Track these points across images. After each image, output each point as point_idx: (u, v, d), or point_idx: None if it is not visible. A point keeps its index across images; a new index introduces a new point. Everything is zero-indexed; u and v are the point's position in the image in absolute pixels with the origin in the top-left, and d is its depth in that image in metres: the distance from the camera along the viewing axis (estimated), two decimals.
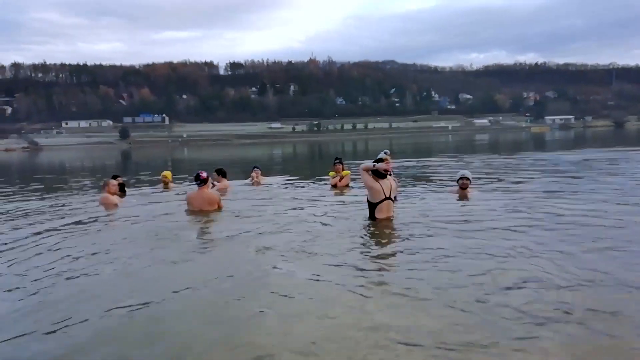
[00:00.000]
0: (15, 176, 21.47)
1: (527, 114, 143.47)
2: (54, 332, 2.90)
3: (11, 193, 11.57)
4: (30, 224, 6.64)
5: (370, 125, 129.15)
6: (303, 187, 10.37)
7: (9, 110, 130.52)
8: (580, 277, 3.48)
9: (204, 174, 7.06)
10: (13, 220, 7.12)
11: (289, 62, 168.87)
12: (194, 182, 7.16)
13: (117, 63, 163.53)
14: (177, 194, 9.38)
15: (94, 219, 6.81)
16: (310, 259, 4.23)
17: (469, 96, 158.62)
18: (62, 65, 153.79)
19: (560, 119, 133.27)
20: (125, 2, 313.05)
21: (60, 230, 6.09)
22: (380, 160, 5.77)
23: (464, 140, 53.21)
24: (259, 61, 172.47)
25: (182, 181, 12.02)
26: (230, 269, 4.00)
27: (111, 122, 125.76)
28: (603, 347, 2.50)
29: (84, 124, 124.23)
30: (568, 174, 10.91)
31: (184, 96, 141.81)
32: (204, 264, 4.34)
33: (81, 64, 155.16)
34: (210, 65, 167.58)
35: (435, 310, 2.99)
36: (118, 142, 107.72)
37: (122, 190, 9.40)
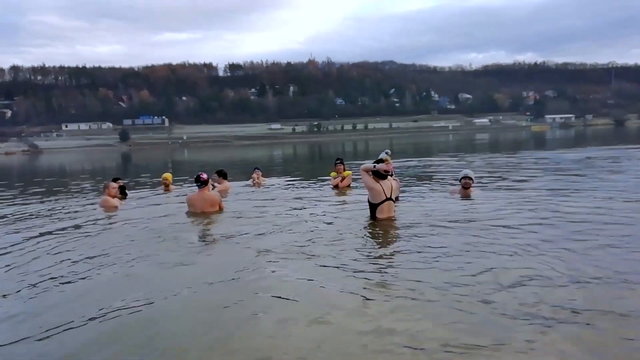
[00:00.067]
0: (15, 179, 21.43)
1: (527, 113, 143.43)
2: (48, 337, 2.87)
3: (11, 196, 11.55)
4: (29, 227, 6.62)
5: (370, 126, 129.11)
6: (304, 188, 10.33)
7: (8, 113, 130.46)
8: (588, 275, 3.45)
9: (205, 176, 7.05)
10: (12, 223, 7.10)
11: (288, 63, 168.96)
12: (195, 184, 7.13)
13: (117, 65, 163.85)
14: (178, 196, 9.37)
15: (93, 222, 6.78)
16: (311, 261, 4.19)
17: (468, 96, 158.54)
18: (61, 68, 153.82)
19: (561, 118, 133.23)
20: (125, 4, 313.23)
21: (59, 233, 6.06)
22: (381, 160, 5.74)
23: (465, 139, 53.16)
24: (258, 62, 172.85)
25: (181, 183, 11.97)
26: (230, 271, 3.96)
27: (111, 125, 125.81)
28: (612, 348, 2.46)
29: (83, 126, 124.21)
30: (571, 172, 10.89)
31: (184, 98, 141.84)
32: (204, 266, 4.30)
33: (80, 66, 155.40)
34: (209, 66, 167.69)
35: (439, 312, 2.94)
36: (118, 144, 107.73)
37: (122, 193, 9.36)
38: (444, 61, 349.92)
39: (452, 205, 6.76)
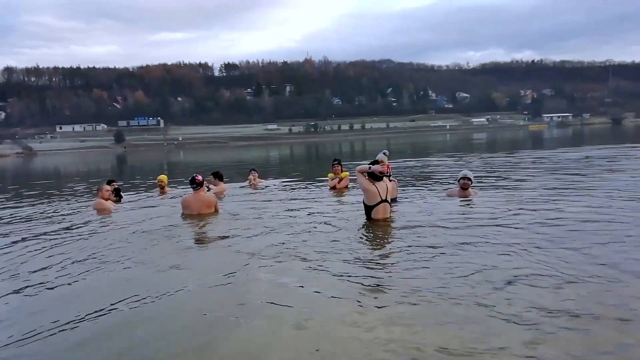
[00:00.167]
0: (9, 182, 21.24)
1: (525, 112, 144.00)
2: (30, 341, 2.83)
3: (4, 199, 11.45)
4: (20, 230, 6.57)
5: (367, 126, 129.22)
6: (301, 189, 10.25)
7: (2, 115, 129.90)
8: (588, 276, 3.40)
9: (200, 177, 6.99)
10: (4, 226, 7.04)
11: (285, 63, 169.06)
12: (190, 186, 7.04)
13: (111, 66, 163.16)
14: (173, 197, 9.28)
15: (85, 225, 6.69)
16: (305, 264, 4.09)
17: (466, 95, 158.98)
18: (56, 69, 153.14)
19: (558, 117, 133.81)
20: (122, 4, 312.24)
21: (50, 236, 5.98)
22: (376, 162, 5.66)
23: (462, 139, 53.27)
24: (254, 62, 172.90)
25: (176, 185, 11.84)
26: (221, 275, 3.89)
27: (105, 126, 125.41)
28: (611, 350, 2.39)
29: (78, 128, 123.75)
30: (569, 172, 10.84)
31: (179, 98, 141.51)
32: (195, 270, 4.18)
33: (74, 67, 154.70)
34: (204, 66, 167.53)
35: (435, 316, 2.85)
36: (113, 146, 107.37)
37: (118, 195, 9.24)
38: (442, 59, 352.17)
39: (451, 206, 6.68)
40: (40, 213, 8.31)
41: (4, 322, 3.14)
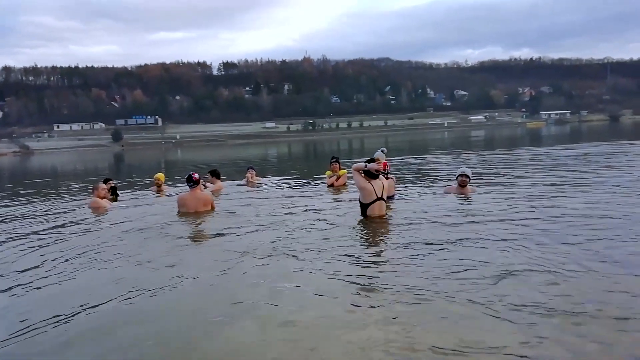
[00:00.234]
0: (5, 181, 21.15)
1: (523, 110, 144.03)
2: (12, 340, 2.79)
3: None
4: (14, 228, 6.54)
5: (365, 124, 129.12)
6: (299, 187, 10.21)
7: None
8: (587, 271, 3.38)
9: (196, 175, 6.97)
10: None
11: (283, 61, 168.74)
12: (186, 184, 7.00)
13: (109, 65, 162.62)
14: (170, 195, 9.25)
15: (80, 223, 6.64)
16: (298, 262, 4.05)
17: (464, 92, 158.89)
18: (54, 68, 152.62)
19: (556, 114, 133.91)
20: (121, 4, 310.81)
21: (43, 234, 5.94)
22: (373, 160, 5.66)
23: (460, 136, 53.26)
24: (252, 61, 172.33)
25: (172, 182, 11.79)
26: (213, 274, 3.86)
27: (103, 125, 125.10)
28: (611, 345, 2.37)
29: (75, 127, 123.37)
30: (568, 168, 10.84)
31: (177, 97, 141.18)
32: (186, 267, 4.11)
33: (73, 66, 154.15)
34: (203, 65, 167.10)
35: (431, 315, 2.81)
36: (111, 144, 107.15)
37: (114, 194, 9.19)
38: (440, 58, 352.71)
39: (448, 203, 6.65)
40: (35, 211, 8.25)
41: None
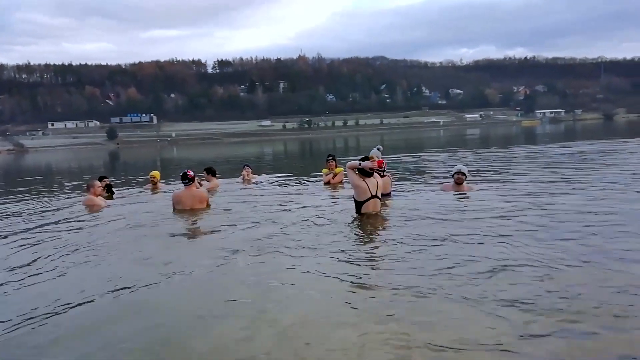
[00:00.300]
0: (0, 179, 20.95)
1: (518, 108, 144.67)
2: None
3: None
4: (7, 226, 6.50)
5: (361, 122, 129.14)
6: (294, 184, 10.19)
7: None
8: (584, 268, 3.38)
9: (191, 173, 6.93)
10: None
11: (278, 60, 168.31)
12: (181, 181, 6.97)
13: (103, 62, 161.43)
14: (165, 192, 9.23)
15: (74, 221, 6.59)
16: (293, 259, 4.02)
17: (459, 91, 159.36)
18: (47, 66, 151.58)
19: (551, 113, 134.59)
20: (113, 1, 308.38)
21: (37, 231, 5.90)
22: (367, 158, 5.67)
23: (455, 135, 53.41)
24: (247, 59, 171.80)
25: (167, 180, 11.72)
26: (208, 270, 3.84)
27: (98, 123, 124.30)
28: (608, 342, 2.36)
29: (70, 124, 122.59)
30: (563, 166, 10.88)
31: (172, 95, 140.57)
32: (178, 264, 4.08)
33: (66, 64, 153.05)
34: (198, 63, 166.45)
35: (427, 312, 2.78)
36: (106, 142, 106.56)
37: (109, 191, 9.13)
38: (435, 56, 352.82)
39: (445, 201, 6.64)
40: (29, 209, 8.18)
41: None
